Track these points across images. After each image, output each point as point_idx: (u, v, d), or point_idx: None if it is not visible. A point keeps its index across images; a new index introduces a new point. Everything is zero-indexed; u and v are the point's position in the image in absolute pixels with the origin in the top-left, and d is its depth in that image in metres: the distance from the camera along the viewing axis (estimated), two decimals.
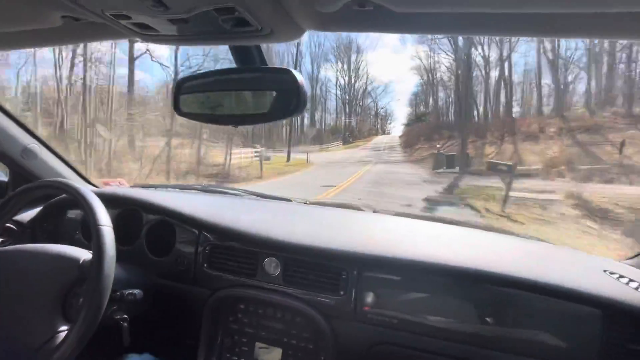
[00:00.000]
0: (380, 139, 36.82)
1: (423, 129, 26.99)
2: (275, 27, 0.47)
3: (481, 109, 22.16)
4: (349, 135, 38.57)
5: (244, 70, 0.61)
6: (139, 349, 0.95)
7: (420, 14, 0.43)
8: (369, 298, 0.89)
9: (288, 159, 18.46)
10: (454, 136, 19.44)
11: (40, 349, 0.74)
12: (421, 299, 0.88)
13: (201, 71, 0.70)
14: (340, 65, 40.72)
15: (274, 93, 0.59)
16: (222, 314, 1.03)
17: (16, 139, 1.16)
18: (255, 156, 14.03)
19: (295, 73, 0.56)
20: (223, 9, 0.42)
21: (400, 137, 34.90)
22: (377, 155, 23.33)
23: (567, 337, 0.78)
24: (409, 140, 27.01)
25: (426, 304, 0.87)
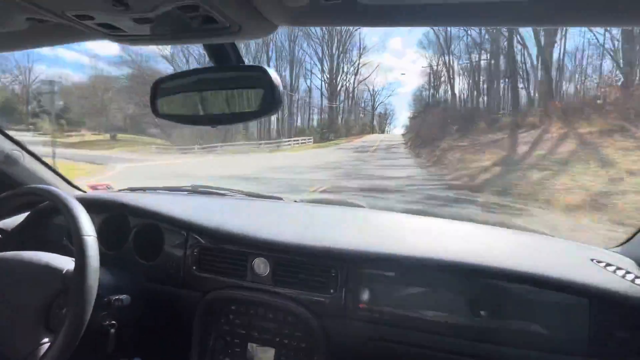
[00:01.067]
0: (372, 138, 31.44)
1: (438, 118, 20.16)
2: (244, 24, 0.46)
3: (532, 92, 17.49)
4: (326, 132, 33.58)
5: (219, 69, 0.60)
6: (130, 355, 0.94)
7: (388, 5, 0.42)
8: (360, 295, 0.89)
9: None
10: (497, 127, 13.61)
11: None
12: (412, 294, 0.87)
13: (177, 72, 0.69)
14: (322, 52, 35.48)
15: (250, 91, 0.58)
16: (213, 316, 1.02)
17: None
18: None
19: (269, 70, 0.55)
20: (187, 7, 0.41)
21: (404, 134, 30.69)
22: (356, 161, 14.03)
23: (556, 327, 0.78)
24: (424, 135, 19.24)
25: (417, 299, 0.87)
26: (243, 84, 0.59)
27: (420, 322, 0.85)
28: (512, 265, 0.80)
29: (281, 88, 0.55)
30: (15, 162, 1.16)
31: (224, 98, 0.61)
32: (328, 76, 37.50)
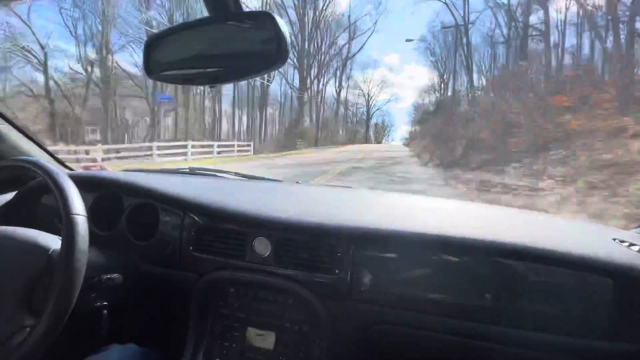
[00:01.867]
0: (361, 148, 24.89)
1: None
2: None
3: None
4: (290, 135, 25.76)
5: (217, 19, 0.53)
6: (123, 339, 0.90)
7: None
8: (366, 276, 0.84)
9: None
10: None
11: (2, 344, 0.68)
12: (421, 275, 0.83)
13: (170, 26, 0.62)
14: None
15: (252, 43, 0.52)
16: (211, 299, 0.98)
17: None
18: None
19: (276, 17, 0.49)
20: None
21: (409, 143, 24.05)
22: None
23: (575, 309, 0.74)
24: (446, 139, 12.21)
25: (426, 280, 0.82)
26: (245, 35, 0.53)
27: (430, 304, 0.81)
28: (528, 242, 0.75)
29: (288, 38, 0.49)
30: (1, 138, 1.10)
31: (224, 52, 0.55)
32: (297, 55, 27.50)
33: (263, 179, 1.35)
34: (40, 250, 0.76)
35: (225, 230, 0.94)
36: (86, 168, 1.41)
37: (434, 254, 0.81)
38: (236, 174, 1.47)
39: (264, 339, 0.93)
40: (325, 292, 0.86)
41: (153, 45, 0.62)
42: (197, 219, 0.97)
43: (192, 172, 1.43)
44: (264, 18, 0.50)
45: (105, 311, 0.83)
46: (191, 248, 0.96)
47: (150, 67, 0.62)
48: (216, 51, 0.55)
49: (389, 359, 0.97)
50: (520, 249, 0.74)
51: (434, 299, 0.81)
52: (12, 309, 0.72)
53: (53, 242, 0.78)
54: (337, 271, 0.85)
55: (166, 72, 0.61)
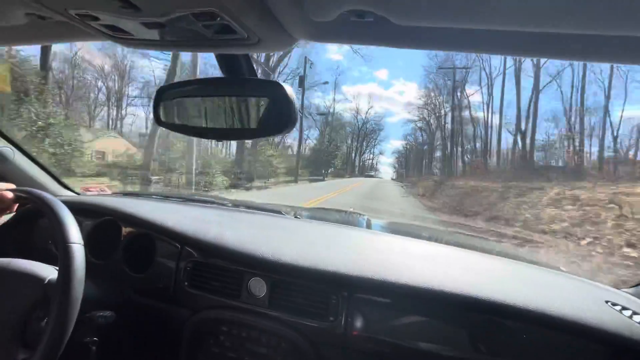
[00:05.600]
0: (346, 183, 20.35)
1: None
2: (264, 36, 0.42)
3: None
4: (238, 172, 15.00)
5: (230, 80, 0.56)
6: None
7: (422, 28, 0.39)
8: (360, 324, 0.84)
9: None
10: None
11: None
12: (416, 326, 0.82)
13: (184, 80, 0.64)
14: None
15: (262, 108, 0.54)
16: (203, 336, 0.96)
17: None
18: None
19: (285, 86, 0.51)
20: (203, 14, 0.37)
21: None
22: None
23: None
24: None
25: (421, 331, 0.82)
26: (256, 99, 0.55)
27: (424, 356, 0.80)
28: (525, 303, 0.76)
29: (297, 105, 0.51)
30: (5, 160, 1.11)
31: (233, 112, 0.57)
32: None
33: (260, 209, 1.36)
34: (36, 280, 0.76)
35: (222, 267, 0.94)
36: (86, 190, 1.41)
37: (429, 306, 0.81)
38: (233, 201, 1.47)
39: None
40: (319, 338, 0.85)
41: (164, 96, 0.63)
42: (194, 253, 0.97)
43: (190, 198, 1.43)
44: (274, 85, 0.52)
45: (94, 347, 0.81)
46: (186, 284, 0.96)
47: (160, 115, 0.64)
48: (227, 110, 0.57)
49: None
50: (516, 310, 0.74)
51: (430, 351, 0.80)
52: (6, 342, 0.71)
53: (49, 271, 0.78)
54: (331, 318, 0.84)
55: (175, 123, 0.63)
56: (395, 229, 1.58)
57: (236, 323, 0.93)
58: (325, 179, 27.78)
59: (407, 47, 0.42)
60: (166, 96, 0.63)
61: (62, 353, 0.68)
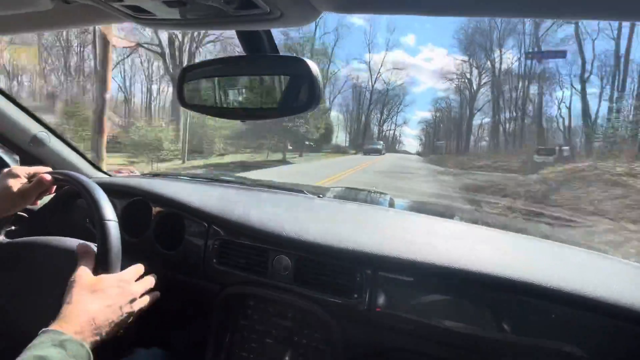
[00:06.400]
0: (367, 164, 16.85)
1: None
2: (286, 10, 0.40)
3: None
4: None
5: (252, 58, 0.54)
6: (147, 344, 0.94)
7: None
8: (384, 302, 0.84)
9: None
10: None
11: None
12: (439, 305, 0.82)
13: (206, 59, 0.64)
14: None
15: (285, 85, 0.53)
16: (231, 310, 1.01)
17: (24, 127, 1.14)
18: None
19: (309, 62, 0.50)
20: None
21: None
22: None
23: (599, 353, 0.72)
24: None
25: (445, 311, 0.82)
26: (278, 77, 0.54)
27: (448, 335, 0.80)
28: (556, 282, 0.73)
29: (321, 81, 0.50)
30: (42, 144, 1.17)
31: (257, 90, 0.56)
32: None
33: (285, 189, 1.37)
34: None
35: (248, 245, 0.96)
36: (117, 172, 1.46)
37: (454, 286, 0.80)
38: (258, 181, 1.49)
39: (280, 353, 0.95)
40: (343, 314, 0.87)
41: (187, 77, 0.63)
42: (221, 232, 1.00)
43: (216, 178, 1.46)
44: (297, 62, 0.51)
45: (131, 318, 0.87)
46: (215, 261, 0.99)
47: (185, 96, 0.64)
48: (250, 89, 0.57)
49: None
50: (548, 290, 0.72)
51: (454, 330, 0.80)
52: (55, 311, 0.77)
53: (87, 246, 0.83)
54: (355, 295, 0.85)
55: (200, 104, 0.63)
56: (419, 208, 1.56)
57: (263, 298, 0.97)
58: (293, 161, 19.46)
59: (432, 15, 0.39)
60: (189, 77, 0.63)
61: None
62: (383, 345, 0.88)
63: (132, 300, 0.69)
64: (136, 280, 0.77)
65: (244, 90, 0.57)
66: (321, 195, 1.30)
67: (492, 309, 0.79)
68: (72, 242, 0.85)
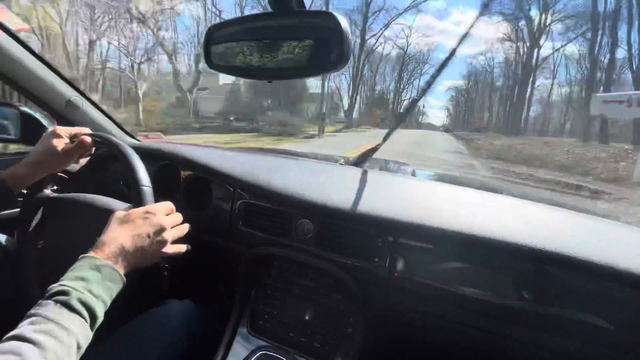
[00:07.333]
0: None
1: None
2: None
3: None
4: None
5: (279, 15, 0.53)
6: (180, 296, 1.01)
7: None
8: (404, 267, 0.86)
9: None
10: None
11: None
12: (460, 272, 0.83)
13: (233, 18, 0.63)
14: None
15: (313, 42, 0.52)
16: (256, 269, 1.06)
17: (60, 91, 1.18)
18: None
19: (339, 17, 0.48)
20: None
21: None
22: None
23: (623, 324, 0.71)
24: None
25: (465, 277, 0.82)
26: (307, 34, 0.52)
27: (467, 301, 0.82)
28: (583, 253, 0.72)
29: (351, 38, 0.48)
30: (76, 108, 1.22)
31: (285, 49, 0.55)
32: None
33: (307, 156, 1.38)
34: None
35: (272, 209, 0.99)
36: (147, 137, 1.52)
37: (476, 253, 0.80)
38: (283, 150, 1.51)
39: (302, 310, 1.01)
40: (363, 277, 0.90)
41: (214, 36, 0.63)
42: (246, 195, 1.04)
43: (243, 148, 1.48)
44: (326, 17, 0.49)
45: (166, 272, 0.93)
46: (240, 223, 1.04)
47: (212, 57, 0.64)
48: (277, 47, 0.56)
49: (417, 346, 1.01)
50: (571, 259, 0.71)
51: (474, 297, 0.81)
52: None
53: (125, 208, 0.89)
54: (376, 259, 0.87)
55: (227, 64, 0.63)
56: (441, 177, 1.53)
57: (286, 259, 1.01)
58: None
59: None
60: (216, 37, 0.63)
61: (143, 277, 0.80)
62: (401, 307, 0.90)
63: (161, 230, 0.72)
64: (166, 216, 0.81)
65: (271, 49, 0.56)
66: (343, 163, 1.31)
67: (516, 278, 0.79)
68: (113, 202, 0.90)
